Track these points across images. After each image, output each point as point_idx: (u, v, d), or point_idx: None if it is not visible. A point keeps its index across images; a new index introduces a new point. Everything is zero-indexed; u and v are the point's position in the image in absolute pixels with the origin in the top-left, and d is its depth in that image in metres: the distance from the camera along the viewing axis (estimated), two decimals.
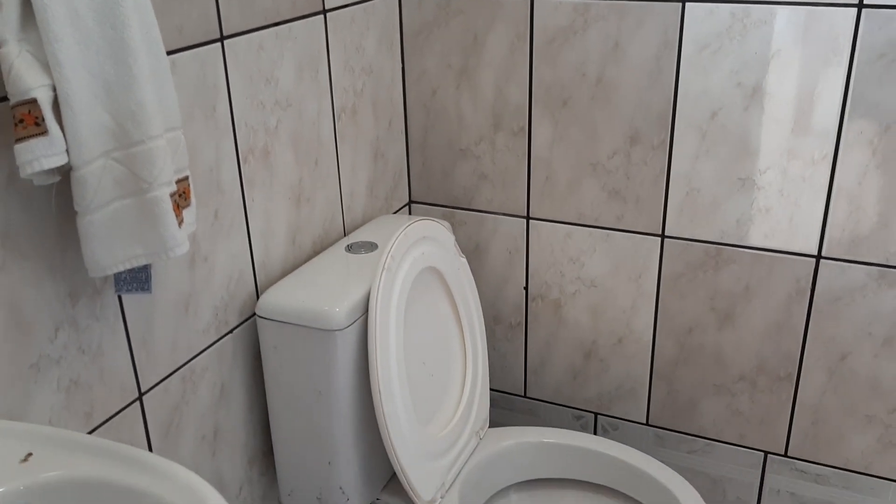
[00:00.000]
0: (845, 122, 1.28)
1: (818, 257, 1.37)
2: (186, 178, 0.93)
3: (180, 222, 0.88)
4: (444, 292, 1.39)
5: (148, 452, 0.78)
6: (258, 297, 1.22)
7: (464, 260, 1.43)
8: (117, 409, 1.01)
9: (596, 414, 1.69)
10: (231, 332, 1.20)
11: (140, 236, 0.85)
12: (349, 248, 1.34)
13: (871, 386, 1.41)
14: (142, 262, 0.87)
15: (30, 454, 0.78)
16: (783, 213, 1.36)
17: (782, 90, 1.30)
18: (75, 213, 0.84)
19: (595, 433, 1.69)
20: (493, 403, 1.76)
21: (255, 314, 1.21)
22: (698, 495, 1.32)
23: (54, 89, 0.78)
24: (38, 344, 0.89)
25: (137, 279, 0.92)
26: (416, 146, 1.60)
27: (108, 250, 0.85)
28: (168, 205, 0.85)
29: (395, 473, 1.35)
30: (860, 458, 1.47)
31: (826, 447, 1.49)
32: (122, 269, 0.86)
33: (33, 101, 0.76)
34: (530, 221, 1.57)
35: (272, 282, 1.25)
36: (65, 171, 0.83)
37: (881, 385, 1.41)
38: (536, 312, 1.65)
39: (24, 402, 0.89)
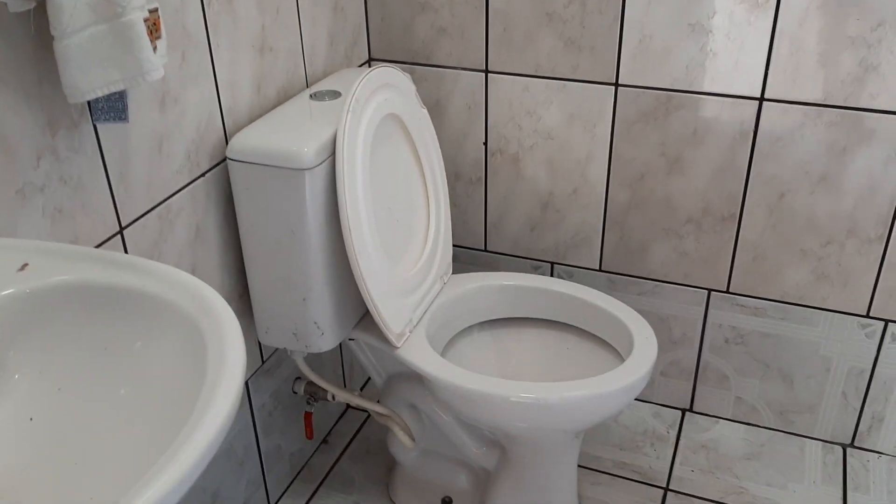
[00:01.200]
0: None
1: (761, 99, 1.44)
2: (156, 10, 0.95)
3: (154, 49, 0.91)
4: (406, 142, 1.44)
5: (141, 258, 0.83)
6: (227, 143, 1.26)
7: (425, 110, 1.47)
8: (101, 241, 1.06)
9: (553, 263, 1.78)
10: (203, 175, 1.24)
11: (116, 61, 0.88)
12: (313, 96, 1.37)
13: (807, 221, 1.52)
14: (119, 87, 0.90)
15: (25, 264, 0.82)
16: (729, 58, 1.43)
17: None
18: (52, 38, 0.86)
19: None
20: (456, 258, 1.84)
21: (226, 158, 1.25)
22: (647, 324, 1.43)
23: None
24: (22, 171, 0.93)
25: (114, 108, 0.96)
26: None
27: (85, 75, 0.88)
28: (142, 29, 0.88)
29: (366, 312, 1.43)
30: (795, 290, 1.59)
31: (764, 282, 1.61)
32: (99, 94, 0.90)
33: None
34: (489, 75, 1.61)
35: (240, 128, 1.29)
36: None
37: (816, 220, 1.51)
38: (496, 167, 1.71)
39: (12, 226, 0.93)
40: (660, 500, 1.62)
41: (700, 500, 1.61)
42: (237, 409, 0.67)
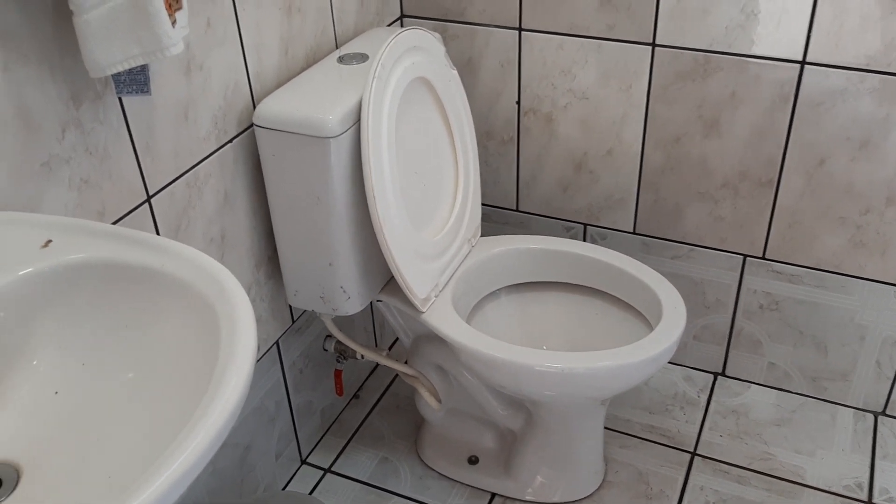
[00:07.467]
0: None
1: (803, 63, 1.39)
2: None
3: (173, 23, 0.91)
4: (435, 105, 1.42)
5: (162, 237, 0.84)
6: (255, 108, 1.26)
7: (455, 72, 1.45)
8: (128, 210, 1.08)
9: (585, 225, 1.76)
10: (231, 141, 1.24)
11: (135, 35, 0.88)
12: (341, 60, 1.36)
13: (846, 189, 1.47)
14: (139, 61, 0.90)
15: (49, 241, 0.84)
16: (771, 19, 1.37)
17: None
18: (70, 13, 0.87)
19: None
20: (487, 218, 1.83)
21: (252, 124, 1.25)
22: (675, 290, 1.41)
23: None
24: (47, 143, 0.94)
25: (137, 81, 0.96)
26: None
27: (105, 50, 0.88)
28: (160, 3, 0.87)
29: (392, 276, 1.44)
30: (832, 258, 1.56)
31: (801, 248, 1.57)
32: (120, 69, 0.90)
33: None
34: (522, 33, 1.58)
35: (267, 93, 1.29)
36: None
37: (855, 188, 1.46)
38: (528, 126, 1.68)
39: (38, 199, 0.95)
40: (686, 465, 1.62)
41: (727, 465, 1.61)
42: (247, 393, 0.69)
